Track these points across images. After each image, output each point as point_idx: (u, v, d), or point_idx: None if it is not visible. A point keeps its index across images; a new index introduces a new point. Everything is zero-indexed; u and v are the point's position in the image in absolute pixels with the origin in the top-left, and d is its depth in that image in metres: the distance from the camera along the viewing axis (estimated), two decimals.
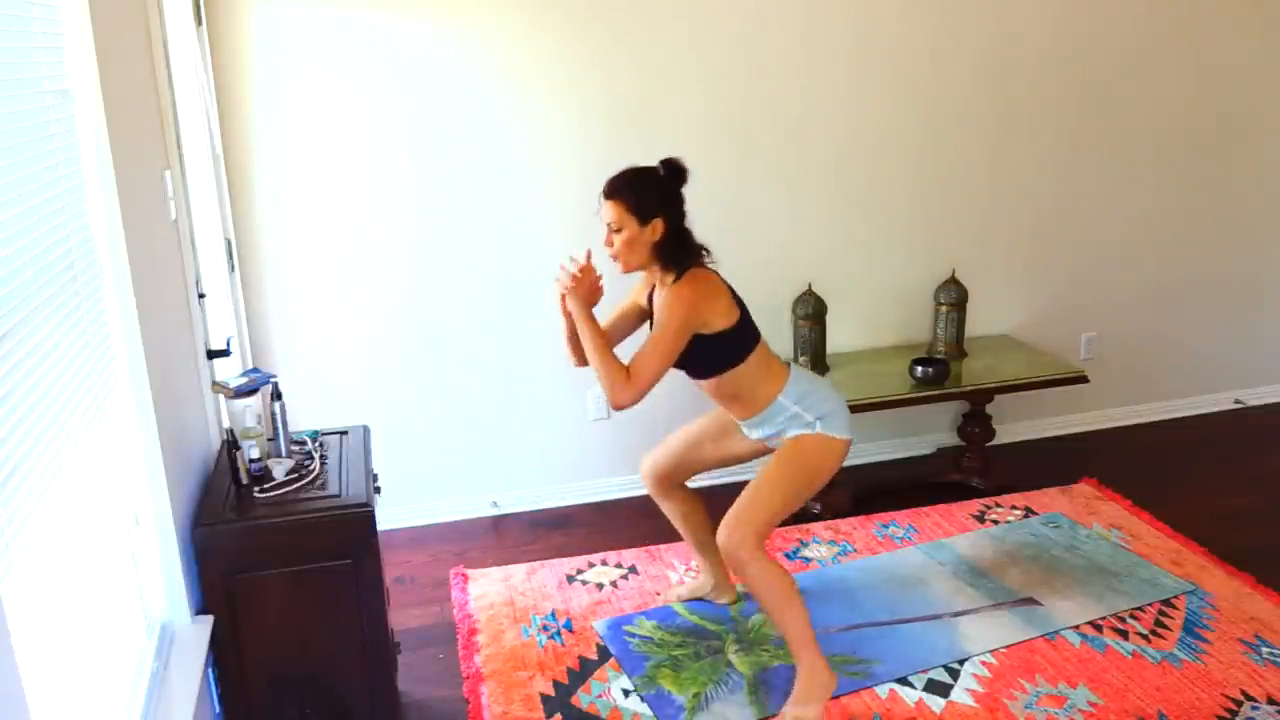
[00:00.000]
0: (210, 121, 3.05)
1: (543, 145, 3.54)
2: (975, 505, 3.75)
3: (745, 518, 2.56)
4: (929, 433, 4.25)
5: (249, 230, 3.35)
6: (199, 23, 3.02)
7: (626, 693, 2.75)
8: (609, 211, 2.53)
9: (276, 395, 2.56)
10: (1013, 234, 4.13)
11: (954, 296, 3.90)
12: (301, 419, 3.12)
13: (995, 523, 3.62)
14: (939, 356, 3.87)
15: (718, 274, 2.59)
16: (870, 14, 3.71)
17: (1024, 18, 3.88)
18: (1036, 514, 3.67)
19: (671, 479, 2.99)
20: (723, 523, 2.58)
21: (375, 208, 3.45)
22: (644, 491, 3.93)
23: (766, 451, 2.77)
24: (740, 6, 3.58)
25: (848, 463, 3.99)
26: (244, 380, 2.58)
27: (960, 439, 4.01)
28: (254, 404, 2.62)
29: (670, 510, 3.05)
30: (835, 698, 2.68)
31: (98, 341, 1.90)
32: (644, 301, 2.73)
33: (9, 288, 1.47)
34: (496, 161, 3.51)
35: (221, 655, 2.32)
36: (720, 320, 2.53)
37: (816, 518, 3.64)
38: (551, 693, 2.76)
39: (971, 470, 3.91)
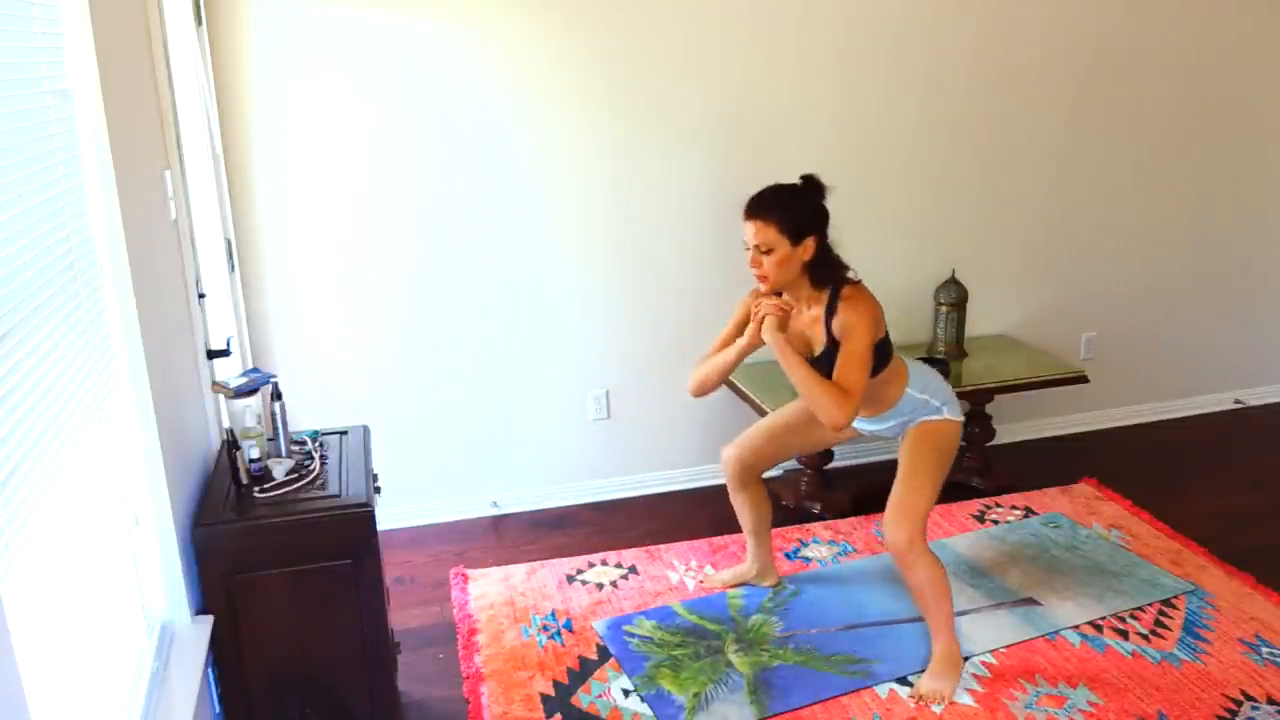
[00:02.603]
0: (210, 121, 3.04)
1: (544, 145, 3.54)
2: (975, 505, 3.75)
3: (908, 513, 2.64)
4: None
5: (249, 230, 3.35)
6: (199, 23, 3.02)
7: (626, 693, 2.75)
8: (756, 233, 2.54)
9: (276, 395, 2.56)
10: (1012, 234, 4.14)
11: (954, 296, 3.90)
12: (301, 419, 3.12)
13: (995, 523, 3.62)
14: (939, 356, 3.87)
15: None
16: (868, 15, 3.71)
17: (1022, 18, 3.88)
18: (1036, 514, 3.67)
19: (754, 470, 3.08)
20: (888, 525, 2.65)
21: (375, 208, 3.45)
22: (643, 491, 3.97)
23: (850, 439, 2.93)
24: (739, 6, 3.58)
25: (848, 463, 4.05)
26: (244, 380, 2.58)
27: (960, 439, 4.01)
28: (254, 404, 2.63)
29: (742, 500, 3.13)
30: (835, 697, 2.69)
31: (98, 341, 1.90)
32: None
33: (9, 288, 1.47)
34: (497, 161, 3.51)
35: (221, 655, 2.32)
36: (882, 330, 2.61)
37: (817, 517, 3.64)
38: (551, 693, 2.76)
39: (971, 470, 3.91)
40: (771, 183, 2.63)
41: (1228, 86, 4.23)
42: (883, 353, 2.64)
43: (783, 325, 2.58)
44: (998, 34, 3.87)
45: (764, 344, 2.60)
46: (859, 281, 2.62)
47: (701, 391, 2.78)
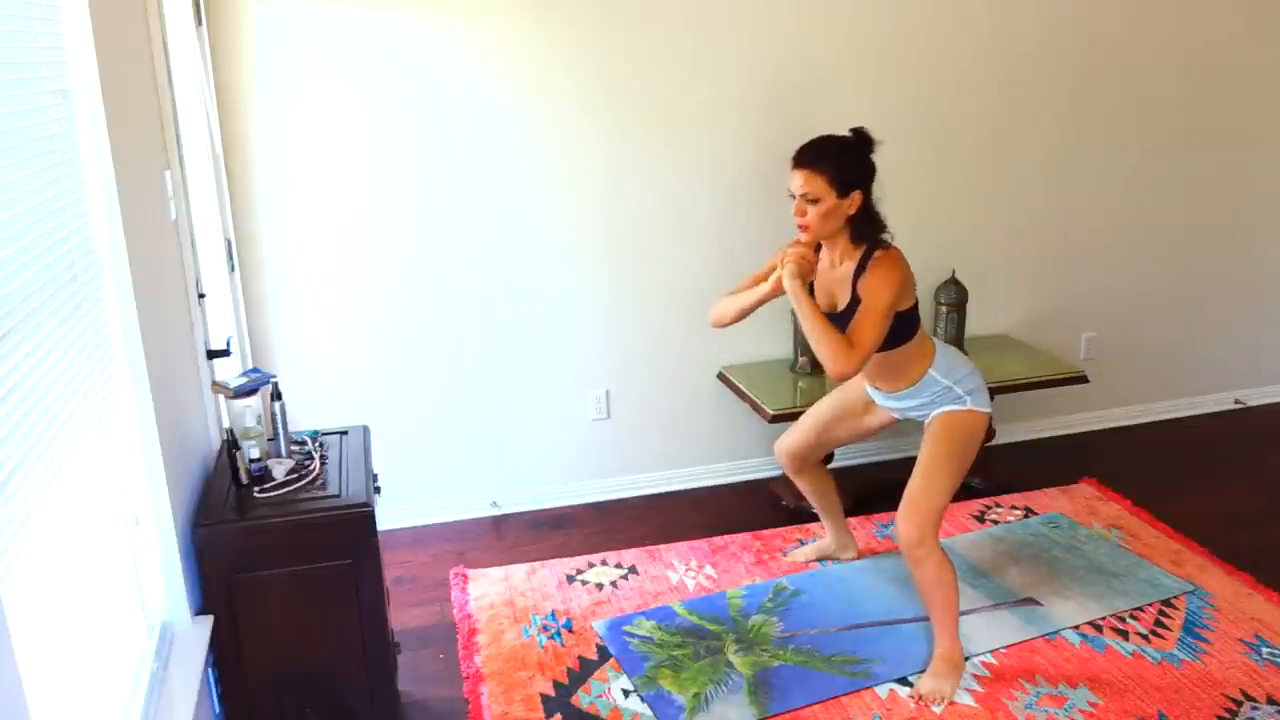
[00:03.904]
0: (210, 121, 3.04)
1: (544, 144, 3.54)
2: (975, 505, 3.75)
3: (921, 509, 2.64)
4: None
5: (249, 230, 3.35)
6: (199, 23, 3.02)
7: (626, 693, 2.75)
8: (804, 182, 2.51)
9: (276, 395, 2.56)
10: (1013, 234, 4.13)
11: (954, 296, 3.89)
12: (301, 419, 3.12)
13: (995, 523, 3.62)
14: None
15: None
16: (868, 13, 3.71)
17: (1022, 17, 3.88)
18: (1036, 514, 3.67)
19: (807, 459, 3.13)
20: (899, 518, 2.67)
21: (375, 207, 3.45)
22: (643, 491, 3.97)
23: (893, 424, 2.92)
24: (738, 8, 3.57)
25: (847, 462, 4.05)
26: (244, 380, 2.58)
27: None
28: (254, 404, 2.62)
29: (803, 484, 3.22)
30: (835, 698, 2.69)
31: (98, 341, 1.90)
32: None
33: (9, 288, 1.47)
34: (497, 161, 3.51)
35: (221, 655, 2.32)
36: (908, 300, 2.60)
37: (816, 518, 3.64)
38: (551, 693, 2.76)
39: (972, 470, 3.87)
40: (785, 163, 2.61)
41: (1227, 86, 4.23)
42: (907, 324, 2.63)
43: (803, 274, 2.58)
44: (997, 34, 3.87)
45: (784, 293, 2.59)
46: (891, 243, 2.59)
47: (718, 324, 2.80)
